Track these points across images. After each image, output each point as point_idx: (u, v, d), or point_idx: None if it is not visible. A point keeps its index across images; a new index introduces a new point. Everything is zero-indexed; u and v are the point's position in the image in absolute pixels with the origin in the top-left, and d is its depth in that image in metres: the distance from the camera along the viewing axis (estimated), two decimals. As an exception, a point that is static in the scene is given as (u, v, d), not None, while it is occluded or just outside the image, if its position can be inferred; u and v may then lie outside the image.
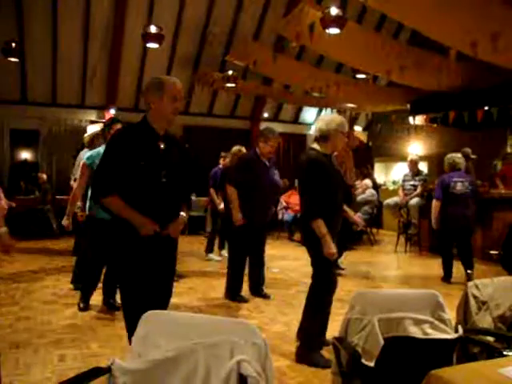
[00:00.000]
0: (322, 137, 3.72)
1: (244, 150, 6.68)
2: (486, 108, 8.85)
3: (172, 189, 2.94)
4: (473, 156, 8.87)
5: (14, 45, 8.71)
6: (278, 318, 4.88)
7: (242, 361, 1.63)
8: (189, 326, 1.75)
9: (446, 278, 6.71)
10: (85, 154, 5.36)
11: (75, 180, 5.78)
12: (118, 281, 3.32)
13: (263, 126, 13.76)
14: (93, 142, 5.80)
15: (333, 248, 3.52)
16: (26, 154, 11.74)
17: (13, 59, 9.05)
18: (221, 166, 7.84)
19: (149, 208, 2.85)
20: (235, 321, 1.81)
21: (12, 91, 10.96)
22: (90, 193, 4.42)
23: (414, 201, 9.15)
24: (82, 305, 4.93)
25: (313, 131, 4.30)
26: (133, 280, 2.89)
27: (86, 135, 6.24)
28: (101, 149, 4.69)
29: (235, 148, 6.75)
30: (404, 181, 9.60)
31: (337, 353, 2.17)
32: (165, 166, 2.90)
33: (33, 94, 11.20)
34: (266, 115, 13.82)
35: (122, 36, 10.77)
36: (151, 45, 8.62)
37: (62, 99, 11.52)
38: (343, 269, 6.93)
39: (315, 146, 3.78)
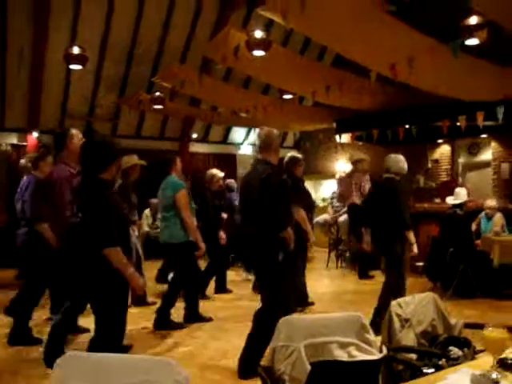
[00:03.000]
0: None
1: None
2: (407, 126, 9.27)
3: None
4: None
5: None
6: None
7: (163, 401, 1.57)
8: (107, 367, 1.66)
9: None
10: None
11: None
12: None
13: (193, 146, 13.77)
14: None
15: None
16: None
17: None
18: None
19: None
20: (156, 359, 1.74)
21: None
22: None
23: (343, 218, 9.37)
24: None
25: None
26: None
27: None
28: None
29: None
30: (332, 198, 9.83)
31: (264, 382, 2.14)
32: None
33: None
34: (194, 136, 13.77)
35: (44, 57, 10.40)
36: (74, 66, 8.36)
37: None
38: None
39: None
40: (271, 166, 4.02)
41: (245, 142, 14.71)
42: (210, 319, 5.67)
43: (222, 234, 7.07)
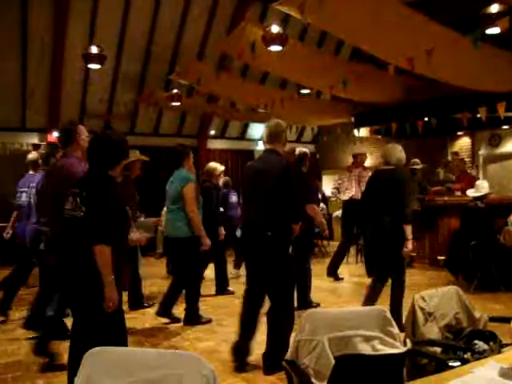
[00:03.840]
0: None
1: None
2: (426, 119, 9.18)
3: None
4: (418, 166, 9.04)
5: None
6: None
7: (191, 394, 1.59)
8: (133, 361, 1.69)
9: None
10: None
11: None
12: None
13: (211, 143, 13.81)
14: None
15: None
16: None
17: None
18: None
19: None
20: (181, 353, 1.76)
21: None
22: None
23: (363, 212, 9.32)
24: None
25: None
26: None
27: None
28: None
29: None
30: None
31: (288, 376, 2.15)
32: None
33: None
34: (212, 132, 13.80)
35: (63, 56, 10.51)
36: (93, 65, 8.46)
37: (1, 122, 11.11)
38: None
39: None
40: (282, 157, 4.05)
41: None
42: (209, 321, 5.49)
43: (222, 230, 6.90)
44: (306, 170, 6.13)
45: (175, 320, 5.43)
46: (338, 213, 10.07)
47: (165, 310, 5.40)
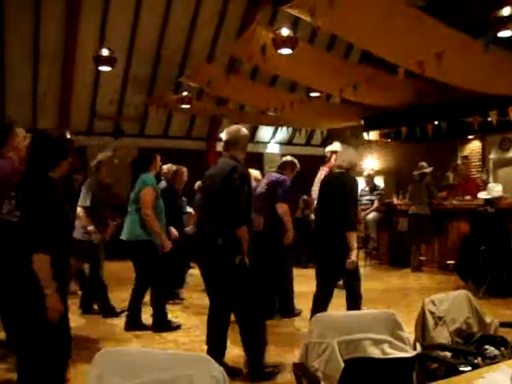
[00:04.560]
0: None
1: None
2: (436, 122, 9.14)
3: None
4: (427, 169, 9.00)
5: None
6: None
7: (201, 396, 1.59)
8: (143, 362, 1.69)
9: None
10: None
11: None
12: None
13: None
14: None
15: None
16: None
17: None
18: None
19: None
20: (192, 354, 1.76)
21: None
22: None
23: (372, 215, 9.30)
24: None
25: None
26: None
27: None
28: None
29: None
30: (361, 196, 9.74)
31: (298, 379, 2.15)
32: None
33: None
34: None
35: (74, 58, 10.61)
36: (103, 68, 8.51)
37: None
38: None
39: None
40: (236, 161, 3.89)
41: (272, 140, 14.71)
42: (178, 326, 5.30)
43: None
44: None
45: (145, 328, 5.20)
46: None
47: (133, 322, 5.21)
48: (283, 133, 13.81)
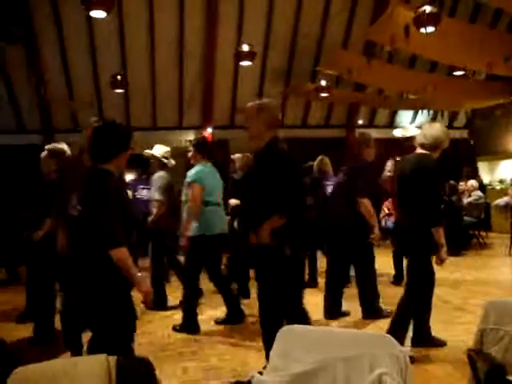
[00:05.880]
0: (433, 146, 3.78)
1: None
2: None
3: None
4: None
5: (119, 77, 9.30)
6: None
7: (384, 374, 1.63)
8: (326, 339, 1.77)
9: None
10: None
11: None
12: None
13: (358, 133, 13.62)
14: None
15: None
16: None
17: (119, 90, 9.68)
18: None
19: None
20: (373, 334, 1.80)
21: (118, 119, 11.68)
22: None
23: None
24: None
25: (422, 137, 3.72)
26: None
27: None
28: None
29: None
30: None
31: (473, 365, 2.08)
32: None
33: (135, 120, 11.89)
34: (360, 122, 13.63)
35: (215, 55, 11.16)
36: (244, 63, 8.85)
37: (161, 122, 12.15)
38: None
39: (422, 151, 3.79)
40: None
41: (412, 124, 14.19)
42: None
43: None
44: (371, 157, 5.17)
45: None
46: (499, 201, 9.41)
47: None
48: (423, 116, 13.24)
